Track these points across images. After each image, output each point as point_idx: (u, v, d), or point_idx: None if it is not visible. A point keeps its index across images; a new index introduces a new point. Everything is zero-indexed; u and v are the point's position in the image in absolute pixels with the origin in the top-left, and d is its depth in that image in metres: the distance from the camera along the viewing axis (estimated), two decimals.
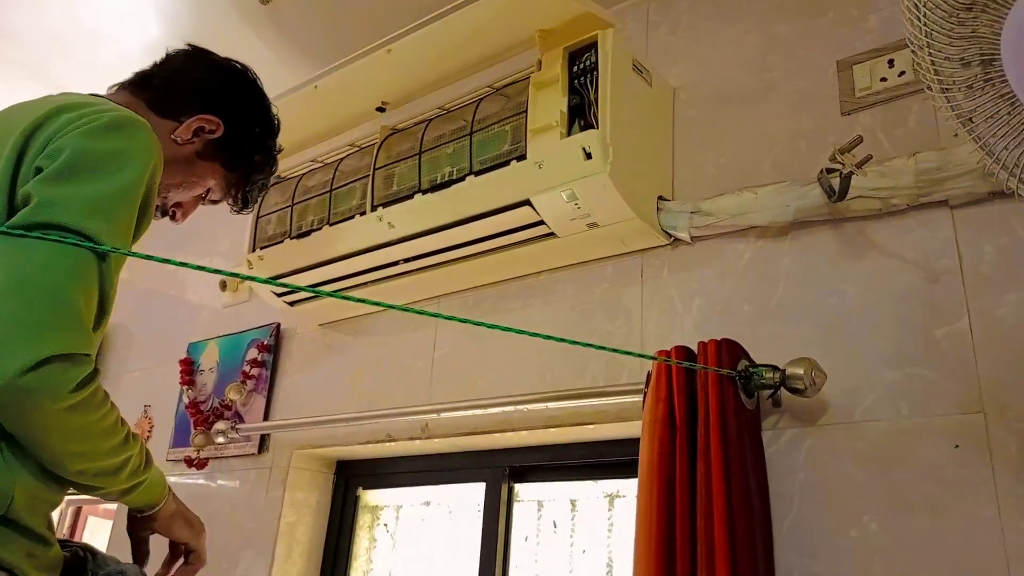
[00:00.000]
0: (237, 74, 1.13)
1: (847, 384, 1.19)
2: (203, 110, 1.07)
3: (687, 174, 1.50)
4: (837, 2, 1.41)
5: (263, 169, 1.16)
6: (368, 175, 1.70)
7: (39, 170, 0.83)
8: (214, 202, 1.17)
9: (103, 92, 1.07)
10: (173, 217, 1.13)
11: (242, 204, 1.18)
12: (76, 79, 2.22)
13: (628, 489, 1.55)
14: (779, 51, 1.46)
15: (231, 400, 2.11)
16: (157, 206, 1.09)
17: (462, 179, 1.52)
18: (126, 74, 1.10)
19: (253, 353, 2.13)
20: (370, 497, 2.00)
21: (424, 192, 1.58)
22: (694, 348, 1.25)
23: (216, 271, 0.83)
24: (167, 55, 1.12)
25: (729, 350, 1.20)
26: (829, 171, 1.23)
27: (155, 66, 1.10)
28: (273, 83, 1.26)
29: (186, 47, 1.13)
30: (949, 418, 1.09)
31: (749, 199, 1.35)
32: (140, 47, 2.12)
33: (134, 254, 0.76)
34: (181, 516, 1.05)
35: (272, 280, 0.89)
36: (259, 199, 1.23)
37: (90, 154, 0.84)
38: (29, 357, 0.73)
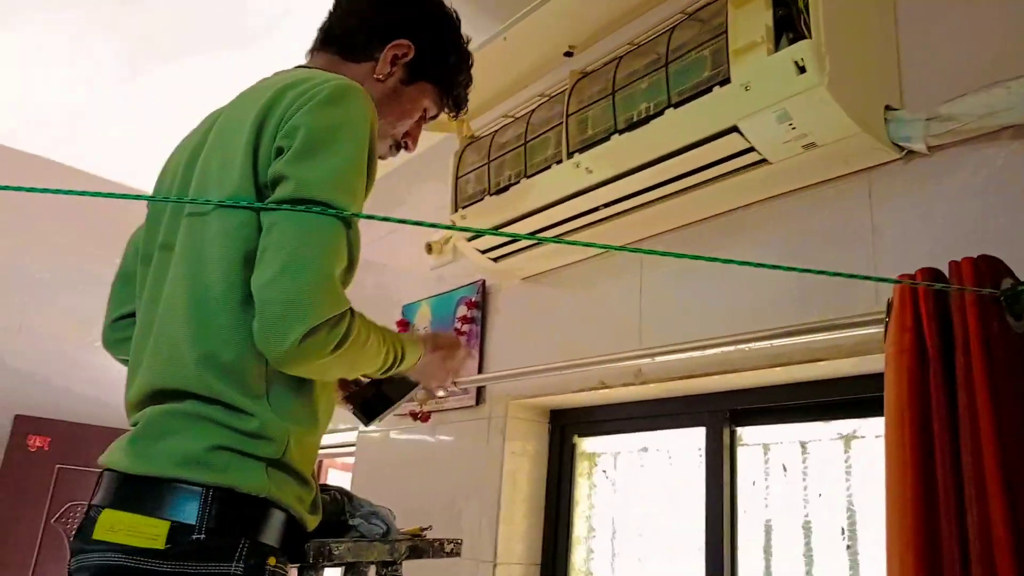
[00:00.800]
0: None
1: None
2: (390, 38, 1.10)
3: (918, 77, 1.33)
4: None
5: (462, 67, 1.19)
6: (561, 123, 1.68)
7: (280, 150, 0.91)
8: (433, 118, 1.20)
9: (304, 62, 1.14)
10: (407, 148, 1.19)
11: (456, 108, 1.21)
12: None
13: (867, 429, 1.44)
14: None
15: None
16: (390, 144, 1.17)
17: (660, 113, 1.46)
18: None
19: (463, 310, 2.22)
20: (586, 445, 2.03)
21: (620, 132, 1.53)
22: (943, 270, 1.12)
23: (445, 227, 0.87)
24: (335, 1, 1.15)
25: (990, 267, 1.06)
26: None
27: (330, 16, 1.15)
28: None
29: None
30: None
31: (1000, 95, 1.17)
32: None
33: (373, 217, 0.81)
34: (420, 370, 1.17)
35: (498, 232, 0.91)
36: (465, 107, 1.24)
37: (322, 130, 0.91)
38: (302, 329, 0.83)
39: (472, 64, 1.20)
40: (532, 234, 1.80)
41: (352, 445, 2.67)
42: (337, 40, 1.12)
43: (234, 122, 0.99)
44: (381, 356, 1.01)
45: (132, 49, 2.46)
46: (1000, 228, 1.17)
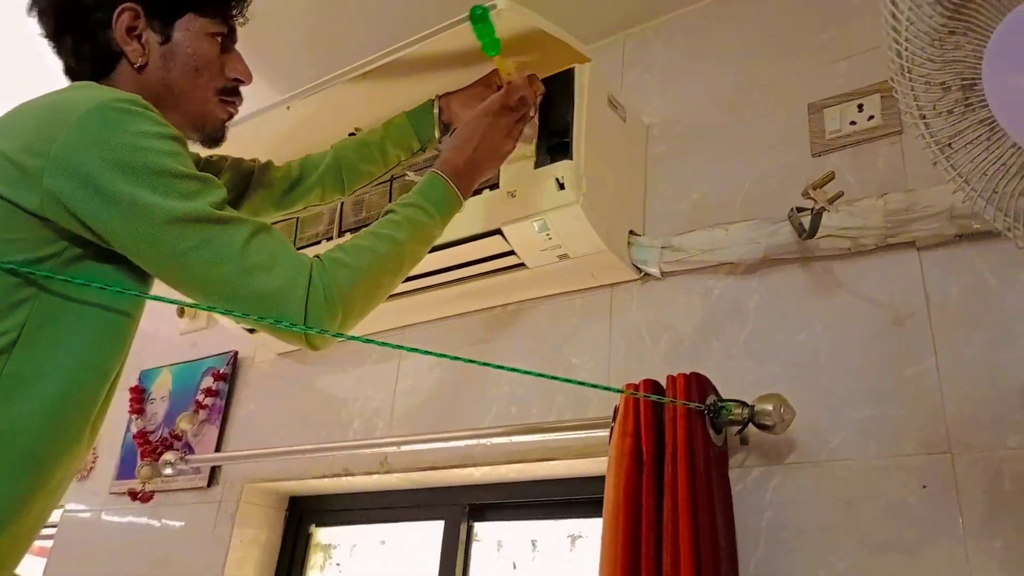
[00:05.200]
0: None
1: (815, 422, 1.18)
2: (108, 23, 0.93)
3: (659, 209, 1.50)
4: (810, 46, 1.44)
5: None
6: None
7: None
8: (231, 33, 1.03)
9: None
10: (242, 82, 1.03)
11: (238, 7, 1.03)
12: None
13: (590, 530, 1.51)
14: (752, 91, 1.48)
15: (182, 430, 2.03)
16: (220, 99, 1.01)
17: None
18: None
19: (208, 382, 2.06)
20: (323, 535, 1.92)
21: None
22: (663, 382, 1.23)
23: (174, 302, 0.82)
24: (40, 21, 0.97)
25: (698, 384, 1.19)
26: (800, 209, 1.24)
27: (58, 55, 0.98)
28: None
29: (34, 1, 0.97)
30: (917, 458, 1.08)
31: (720, 235, 1.35)
32: None
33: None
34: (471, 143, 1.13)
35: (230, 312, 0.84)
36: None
37: None
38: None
39: None
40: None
41: (52, 526, 2.32)
42: (80, 71, 0.96)
43: None
44: (417, 246, 0.98)
45: None
46: (711, 349, 1.32)
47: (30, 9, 0.97)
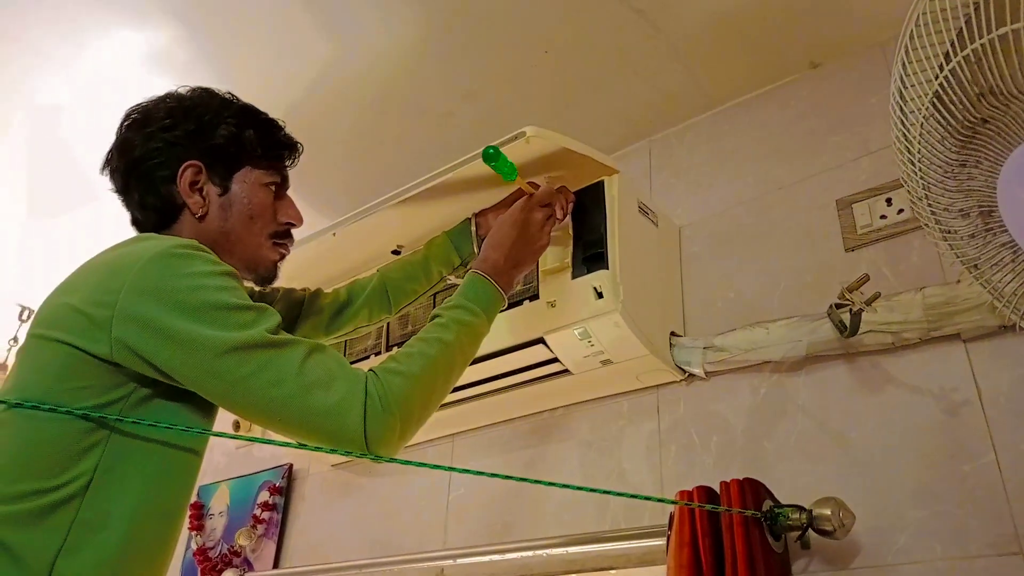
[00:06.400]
0: (150, 120, 1.02)
1: (876, 523, 1.15)
2: (174, 178, 1.00)
3: (697, 310, 1.52)
4: (831, 145, 1.48)
5: (249, 125, 1.06)
6: None
7: None
8: (284, 181, 1.11)
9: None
10: (293, 225, 1.10)
11: (289, 153, 1.11)
12: None
13: None
14: (778, 192, 1.52)
15: (241, 546, 2.06)
16: (273, 242, 1.08)
17: None
18: None
19: (264, 496, 2.10)
20: None
21: None
22: (715, 487, 1.22)
23: (234, 436, 0.85)
24: (112, 178, 1.05)
25: (752, 490, 1.18)
26: (839, 306, 1.25)
27: (126, 207, 1.05)
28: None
29: (108, 160, 1.05)
30: (986, 559, 1.05)
31: (761, 334, 1.36)
32: None
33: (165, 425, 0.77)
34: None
35: (271, 441, 0.88)
36: (296, 146, 1.12)
37: None
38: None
39: (254, 109, 1.09)
40: None
41: None
42: (146, 222, 1.04)
43: None
44: (466, 345, 1.00)
45: None
46: (763, 450, 1.31)
47: (103, 168, 1.06)
